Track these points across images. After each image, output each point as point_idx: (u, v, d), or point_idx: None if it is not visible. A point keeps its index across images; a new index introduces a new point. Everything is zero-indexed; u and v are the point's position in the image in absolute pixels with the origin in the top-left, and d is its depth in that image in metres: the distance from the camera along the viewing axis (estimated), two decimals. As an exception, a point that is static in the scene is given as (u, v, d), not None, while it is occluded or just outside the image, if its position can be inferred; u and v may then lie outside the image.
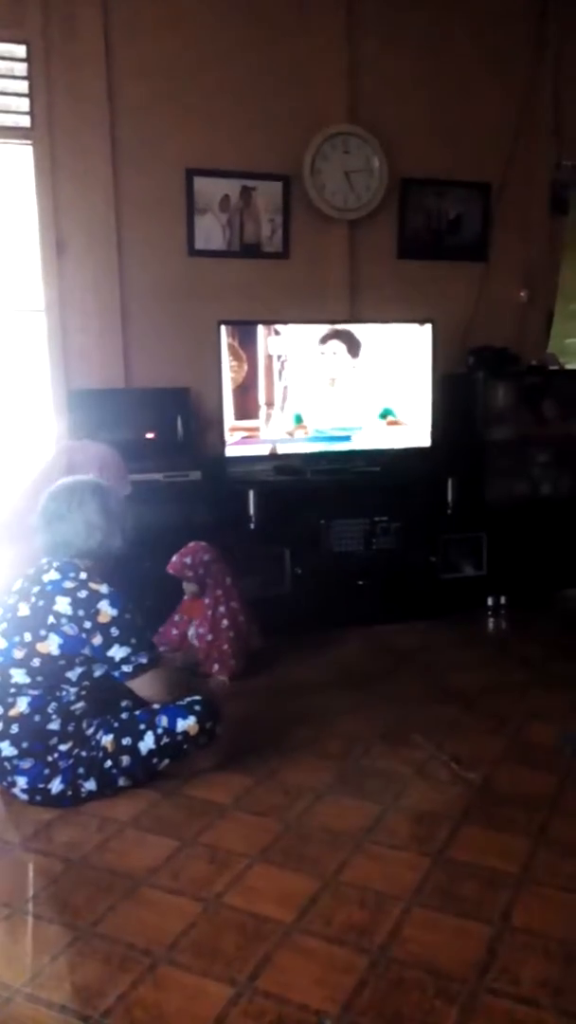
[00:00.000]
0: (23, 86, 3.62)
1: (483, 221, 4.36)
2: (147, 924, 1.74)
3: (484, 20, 4.20)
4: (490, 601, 4.08)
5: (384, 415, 3.97)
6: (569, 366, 4.36)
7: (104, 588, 2.22)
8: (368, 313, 4.06)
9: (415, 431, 4.02)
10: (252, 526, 3.68)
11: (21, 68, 3.61)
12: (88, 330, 3.80)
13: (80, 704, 2.22)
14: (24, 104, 3.63)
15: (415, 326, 3.95)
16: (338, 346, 3.88)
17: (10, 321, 3.78)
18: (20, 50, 3.59)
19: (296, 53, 3.97)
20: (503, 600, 4.09)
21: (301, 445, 3.89)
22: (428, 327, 3.96)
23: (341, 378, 3.90)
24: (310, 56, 3.98)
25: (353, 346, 3.89)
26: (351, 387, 3.91)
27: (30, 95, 3.63)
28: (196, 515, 3.54)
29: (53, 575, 2.25)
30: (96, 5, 3.63)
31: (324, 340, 3.86)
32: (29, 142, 3.66)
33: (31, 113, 3.64)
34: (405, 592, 3.89)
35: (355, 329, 3.90)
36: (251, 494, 3.67)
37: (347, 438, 3.95)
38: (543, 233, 4.42)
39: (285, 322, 3.81)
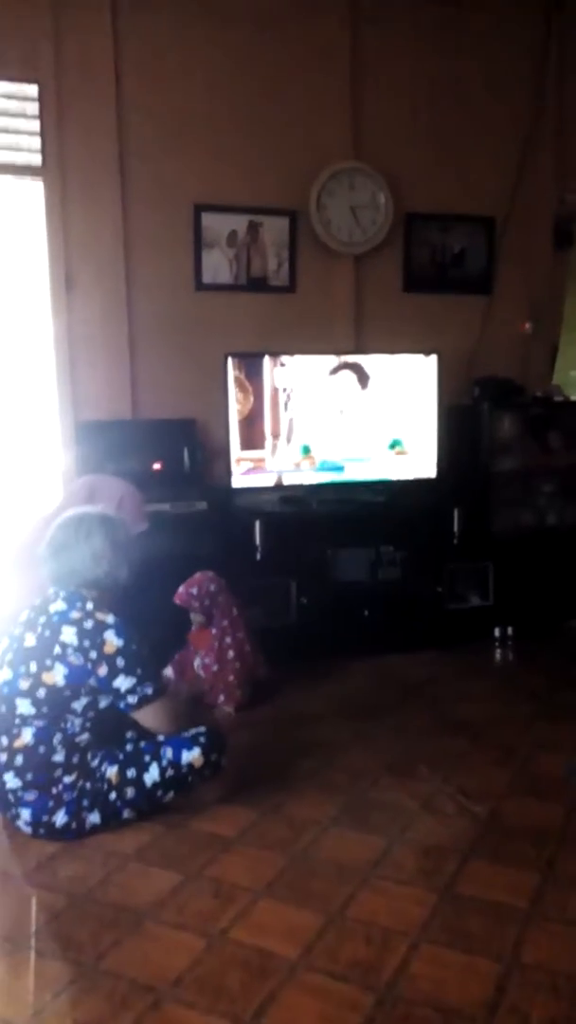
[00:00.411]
0: (35, 125, 3.69)
1: (487, 255, 4.41)
2: (151, 960, 1.72)
3: (487, 57, 4.27)
4: (497, 632, 4.06)
5: (393, 446, 3.99)
6: (573, 398, 4.37)
7: (110, 618, 2.23)
8: (374, 345, 4.10)
9: (421, 461, 4.03)
10: (258, 556, 3.68)
11: (33, 108, 3.68)
12: (96, 363, 3.84)
13: (85, 735, 2.22)
14: (35, 143, 3.70)
15: (420, 357, 3.98)
16: (348, 377, 3.91)
17: (19, 354, 3.82)
18: (32, 90, 3.66)
19: (302, 91, 4.04)
20: (510, 631, 4.07)
21: (307, 475, 3.91)
22: (433, 358, 3.99)
23: (350, 408, 3.93)
24: (316, 94, 4.06)
25: (363, 377, 3.92)
26: (360, 417, 3.94)
27: (41, 134, 3.70)
28: (203, 545, 3.54)
29: (59, 605, 2.25)
30: (108, 47, 3.71)
31: (335, 371, 3.90)
32: (40, 179, 3.73)
33: (42, 151, 3.70)
34: (411, 622, 3.88)
35: (364, 361, 3.93)
36: (257, 524, 3.68)
37: (356, 467, 3.96)
38: (547, 266, 4.46)
39: (293, 354, 3.84)
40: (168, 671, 3.30)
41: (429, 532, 3.92)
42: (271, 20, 3.96)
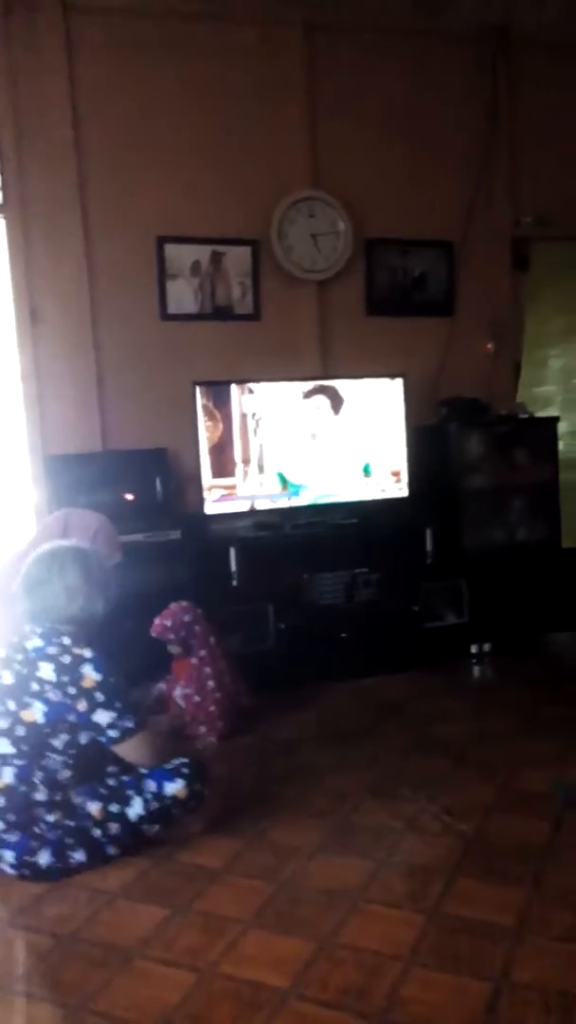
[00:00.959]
0: (-6, 164, 3.72)
1: (448, 277, 4.49)
2: (141, 997, 1.71)
3: (440, 84, 4.36)
4: (474, 648, 4.08)
5: (367, 471, 4.03)
6: (538, 414, 4.45)
7: (88, 652, 2.22)
8: (340, 370, 4.14)
9: (392, 482, 4.07)
10: (234, 583, 3.69)
11: (-8, 147, 3.71)
12: (64, 396, 3.85)
13: (67, 772, 2.20)
14: (-4, 181, 3.73)
15: (386, 380, 4.03)
16: (322, 401, 3.95)
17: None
18: (-10, 129, 3.70)
19: (260, 122, 4.11)
20: (487, 647, 4.09)
21: (279, 500, 3.93)
22: (399, 381, 4.04)
23: (322, 433, 3.96)
24: (274, 124, 4.12)
25: (336, 402, 3.96)
26: (332, 442, 3.97)
27: (1, 172, 3.72)
28: (178, 574, 3.54)
29: (36, 642, 2.24)
30: (63, 84, 3.76)
31: (309, 395, 3.93)
32: (1, 216, 3.74)
33: (3, 190, 3.73)
34: (389, 643, 3.90)
35: (338, 387, 3.97)
36: (232, 551, 3.69)
37: (327, 490, 3.99)
38: (506, 288, 4.55)
39: (260, 380, 3.87)
40: (161, 685, 3.28)
41: (402, 552, 3.95)
42: (227, 53, 4.04)
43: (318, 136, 4.19)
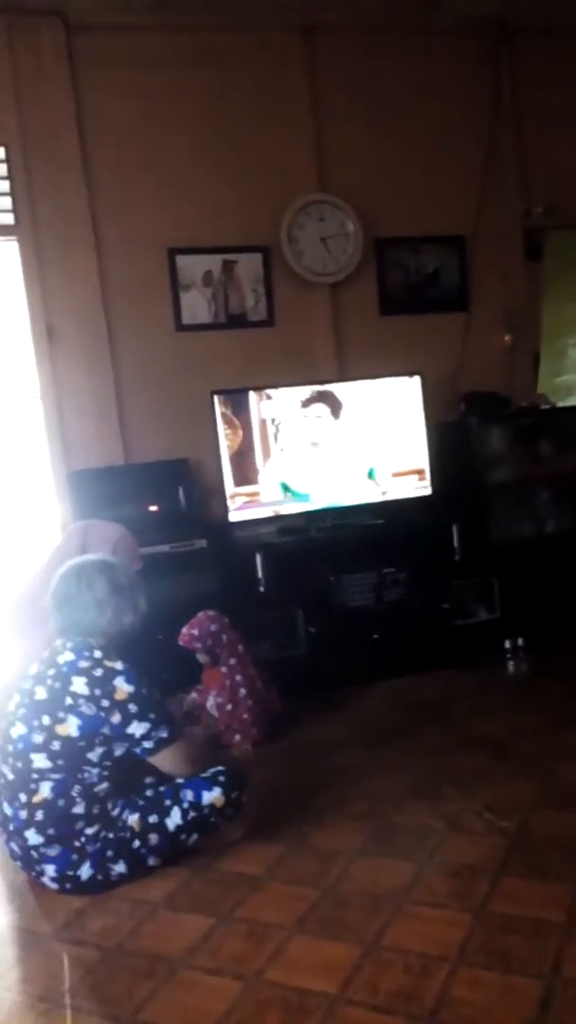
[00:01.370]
0: (5, 186, 3.75)
1: (460, 272, 4.46)
2: (189, 1008, 1.70)
3: (444, 79, 4.34)
4: (507, 644, 4.04)
5: (371, 475, 4.00)
6: (560, 404, 4.40)
7: (119, 665, 2.22)
8: (356, 371, 4.13)
9: (414, 481, 4.04)
10: (262, 589, 3.68)
11: (2, 169, 3.74)
12: (84, 412, 3.87)
13: (104, 785, 2.20)
14: (7, 203, 3.76)
15: (404, 379, 4.01)
16: (321, 409, 3.92)
17: (9, 408, 3.85)
18: (-1, 152, 3.74)
19: (265, 128, 4.11)
20: (520, 642, 4.05)
21: (303, 504, 3.92)
22: (417, 379, 4.02)
23: (324, 441, 3.94)
24: (279, 130, 4.12)
25: (336, 408, 3.94)
26: (334, 450, 3.95)
27: (12, 194, 3.76)
28: (205, 583, 3.55)
29: (68, 656, 2.25)
30: (69, 103, 3.78)
31: (306, 404, 3.91)
32: (14, 238, 3.78)
33: (14, 211, 3.76)
34: (420, 642, 3.86)
35: (340, 389, 3.94)
36: (258, 557, 3.68)
37: (349, 493, 3.97)
38: (520, 279, 4.51)
39: (278, 387, 3.87)
40: (193, 695, 3.28)
41: (430, 550, 3.92)
42: (228, 61, 4.04)
43: (323, 139, 4.19)
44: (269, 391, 3.85)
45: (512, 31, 4.37)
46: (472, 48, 4.38)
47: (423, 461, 4.05)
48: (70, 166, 3.81)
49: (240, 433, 3.82)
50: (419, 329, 4.38)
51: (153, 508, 3.76)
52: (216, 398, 3.77)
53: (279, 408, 3.86)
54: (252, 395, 3.83)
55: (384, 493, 4.01)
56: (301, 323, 4.22)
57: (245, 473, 3.83)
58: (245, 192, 4.10)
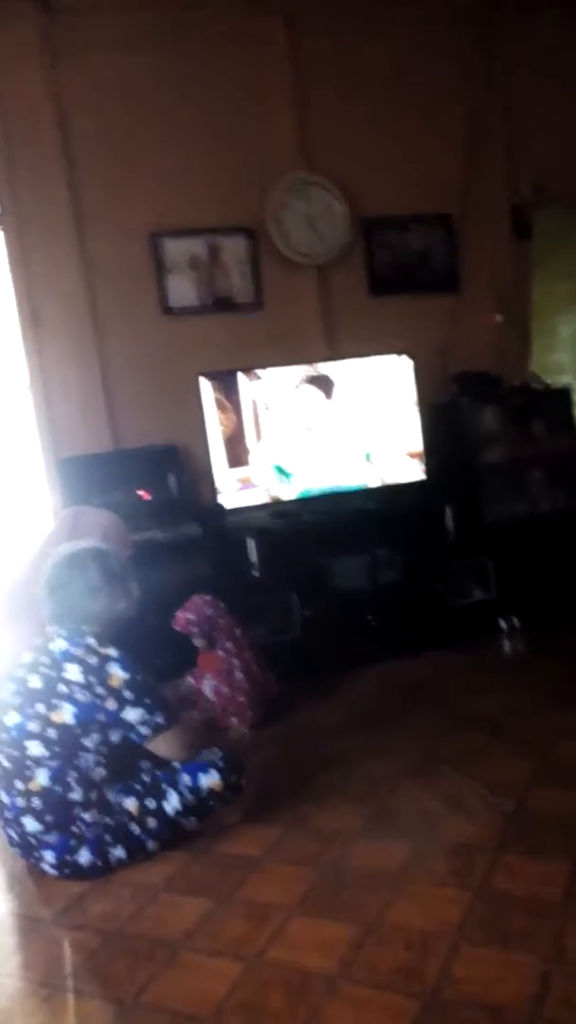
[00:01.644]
0: (-13, 173, 3.71)
1: (449, 251, 4.43)
2: (190, 989, 1.70)
3: (430, 55, 4.30)
4: (503, 624, 4.04)
5: (367, 458, 3.99)
6: (552, 382, 4.39)
7: (113, 651, 2.21)
8: (346, 352, 4.09)
9: (407, 463, 4.03)
10: (256, 573, 3.67)
11: (-17, 155, 3.70)
12: (71, 399, 3.84)
13: (100, 771, 2.19)
14: (-10, 191, 3.71)
15: (394, 359, 3.99)
16: (314, 392, 3.90)
17: (-2, 398, 3.83)
18: (-21, 139, 3.69)
19: (247, 108, 4.06)
20: (516, 622, 4.05)
21: (297, 487, 3.90)
22: (408, 360, 4.00)
23: (318, 425, 3.91)
24: (261, 110, 4.07)
25: (328, 390, 3.92)
26: (329, 433, 3.93)
27: (-5, 180, 3.72)
28: (199, 569, 3.53)
29: (61, 644, 2.23)
30: (47, 89, 3.72)
31: (299, 387, 3.89)
32: (-1, 225, 3.74)
33: (-2, 198, 3.72)
34: (416, 624, 3.86)
35: (331, 372, 3.92)
36: (251, 542, 3.67)
37: (342, 475, 3.96)
38: (509, 257, 4.49)
39: (265, 367, 3.84)
40: (189, 680, 3.28)
41: (424, 532, 3.91)
42: (209, 40, 3.99)
43: (307, 117, 4.13)
44: (258, 371, 3.82)
45: (500, 8, 4.32)
46: (459, 25, 4.33)
47: (416, 443, 4.04)
48: (51, 151, 3.76)
49: (232, 416, 3.80)
50: (409, 310, 4.35)
51: (144, 494, 3.74)
52: (203, 381, 3.74)
53: (270, 389, 3.83)
54: (241, 376, 3.80)
55: (382, 477, 4.00)
56: (289, 305, 4.18)
57: (239, 456, 3.81)
58: (230, 173, 4.06)
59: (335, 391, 3.92)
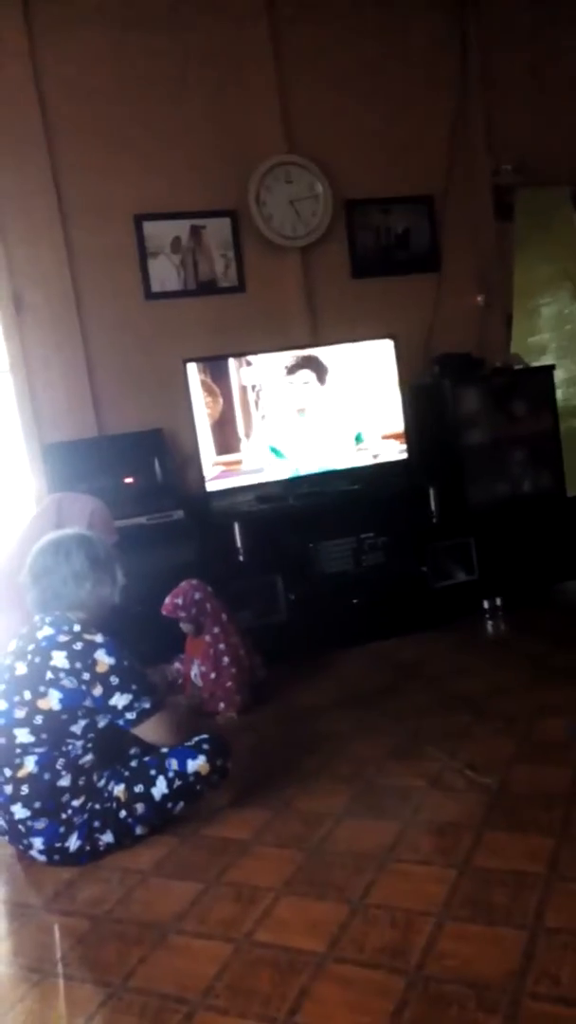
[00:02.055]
0: (-37, 155, 3.66)
1: (431, 233, 4.43)
2: (180, 972, 1.72)
3: (409, 36, 4.29)
4: (486, 604, 4.08)
5: (358, 439, 4.00)
6: (534, 364, 4.40)
7: (99, 637, 2.22)
8: (330, 335, 4.10)
9: (390, 445, 4.04)
10: (241, 558, 3.68)
11: (-40, 136, 3.65)
12: (55, 384, 3.82)
13: (88, 757, 2.21)
14: (-34, 171, 3.67)
15: (377, 342, 3.99)
16: (308, 375, 3.90)
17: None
18: (-43, 119, 3.64)
19: (229, 90, 4.03)
20: (498, 602, 4.09)
21: (286, 470, 3.90)
22: (390, 342, 4.00)
23: (311, 407, 3.92)
24: (243, 91, 4.05)
25: (321, 374, 3.92)
26: (322, 415, 3.93)
27: (-28, 162, 3.67)
28: (184, 554, 3.54)
29: (47, 631, 2.24)
30: (27, 68, 3.68)
31: (293, 370, 3.88)
32: (-23, 207, 3.70)
33: (-24, 179, 3.68)
34: (400, 605, 3.89)
35: (321, 356, 3.92)
36: (236, 526, 3.68)
37: (326, 458, 3.97)
38: (491, 239, 4.49)
39: (249, 354, 3.83)
40: (176, 665, 3.29)
41: (407, 514, 3.94)
42: (190, 21, 3.95)
43: (289, 99, 4.12)
44: (249, 357, 3.81)
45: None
46: (438, 6, 4.31)
47: (398, 425, 4.04)
48: (31, 133, 3.72)
49: (220, 401, 3.79)
50: (392, 291, 4.35)
51: (129, 480, 3.74)
52: (193, 366, 3.73)
53: (260, 374, 3.83)
54: (232, 362, 3.79)
55: (376, 456, 4.01)
56: (272, 288, 4.17)
57: (227, 441, 3.81)
58: (211, 155, 4.04)
59: (328, 375, 3.91)
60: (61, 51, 3.76)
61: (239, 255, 4.11)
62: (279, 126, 4.10)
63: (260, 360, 3.83)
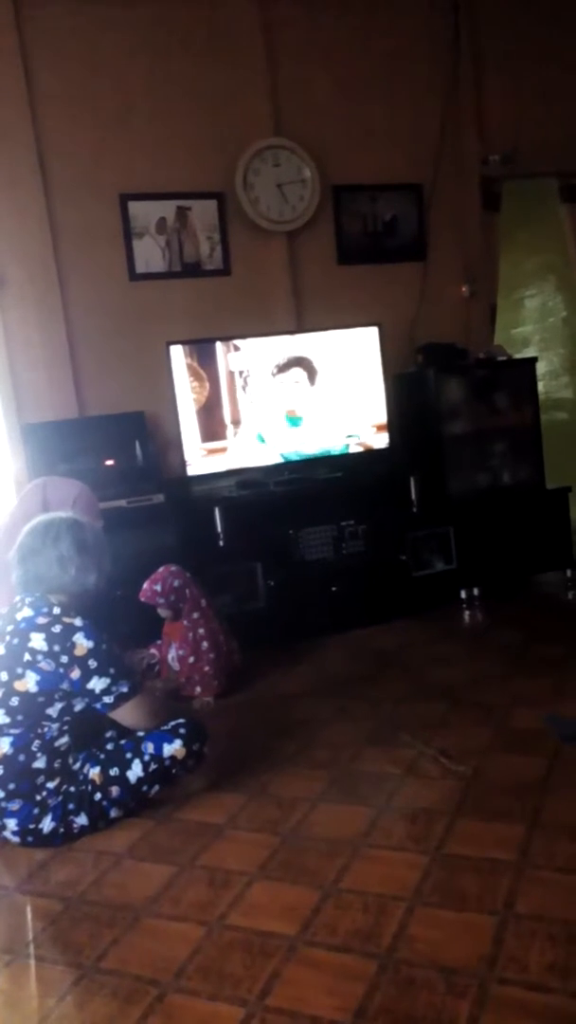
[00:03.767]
0: (-52, 127, 3.60)
1: (418, 221, 4.42)
2: (152, 954, 1.73)
3: (401, 23, 4.26)
4: (463, 594, 4.11)
5: (352, 438, 4.00)
6: (517, 355, 4.42)
7: (78, 621, 2.21)
8: (314, 321, 4.09)
9: (373, 433, 4.04)
10: (221, 543, 3.67)
11: (-56, 109, 3.59)
12: (36, 363, 3.78)
13: (64, 739, 2.20)
14: (-50, 145, 3.61)
15: (362, 330, 3.98)
16: (299, 374, 3.89)
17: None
18: None
19: (219, 71, 4.00)
20: (476, 592, 4.12)
21: (262, 457, 3.90)
22: (375, 330, 3.99)
23: (301, 408, 3.90)
24: (233, 73, 4.01)
25: (312, 373, 3.90)
26: (313, 415, 3.92)
27: (-44, 136, 3.62)
28: (164, 538, 3.53)
29: (26, 612, 2.22)
30: (13, 44, 3.63)
31: (283, 369, 3.86)
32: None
33: (-41, 154, 3.62)
34: (379, 593, 3.91)
35: (311, 354, 3.90)
36: (217, 512, 3.67)
37: (309, 447, 3.97)
38: (478, 229, 4.48)
39: (233, 338, 3.82)
40: (153, 650, 3.29)
41: (388, 502, 3.95)
42: (181, 4, 3.90)
43: (278, 82, 4.09)
44: (237, 342, 3.79)
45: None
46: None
47: (381, 413, 4.05)
48: (16, 109, 3.67)
49: (207, 385, 3.77)
50: (377, 278, 4.35)
51: (109, 462, 3.71)
52: (178, 348, 3.71)
53: (248, 360, 3.80)
54: (219, 347, 3.77)
55: (357, 444, 4.01)
56: (258, 272, 4.15)
57: (213, 427, 3.79)
58: (199, 136, 4.00)
59: (318, 376, 3.89)
60: (47, 27, 3.70)
61: (225, 238, 4.08)
62: (268, 109, 4.07)
63: (248, 346, 3.81)
